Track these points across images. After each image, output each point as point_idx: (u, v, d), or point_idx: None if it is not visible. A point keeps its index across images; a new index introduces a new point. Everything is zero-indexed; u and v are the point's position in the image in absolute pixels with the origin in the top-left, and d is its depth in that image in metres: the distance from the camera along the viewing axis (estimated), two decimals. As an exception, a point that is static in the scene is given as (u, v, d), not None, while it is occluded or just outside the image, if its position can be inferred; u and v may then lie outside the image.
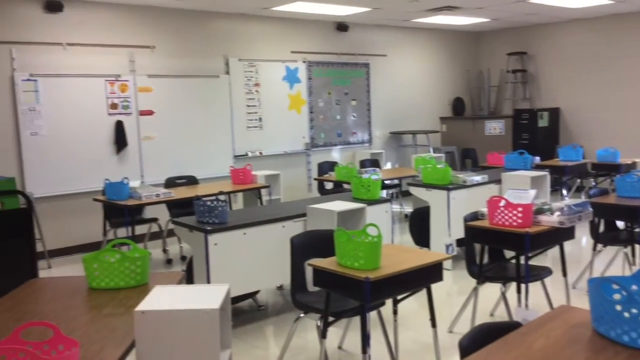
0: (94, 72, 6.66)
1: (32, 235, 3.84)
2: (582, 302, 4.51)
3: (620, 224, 5.30)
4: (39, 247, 5.86)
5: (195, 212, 4.20)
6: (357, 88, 9.21)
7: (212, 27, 7.65)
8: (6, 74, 6.12)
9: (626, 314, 1.84)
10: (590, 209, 3.96)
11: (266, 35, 8.17)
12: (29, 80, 6.21)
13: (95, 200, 5.84)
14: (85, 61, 6.61)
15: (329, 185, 7.64)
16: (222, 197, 4.32)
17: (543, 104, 10.08)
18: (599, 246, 4.97)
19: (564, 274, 4.26)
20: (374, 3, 7.44)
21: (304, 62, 8.54)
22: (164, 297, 2.19)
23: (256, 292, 4.84)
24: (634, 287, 1.89)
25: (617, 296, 1.92)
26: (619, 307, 1.85)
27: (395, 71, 9.73)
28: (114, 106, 6.81)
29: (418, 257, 3.14)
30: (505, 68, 10.51)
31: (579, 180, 8.53)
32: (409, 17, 8.68)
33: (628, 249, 4.97)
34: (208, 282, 4.02)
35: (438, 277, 3.17)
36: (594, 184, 8.34)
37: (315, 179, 7.67)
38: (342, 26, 8.88)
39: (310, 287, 3.57)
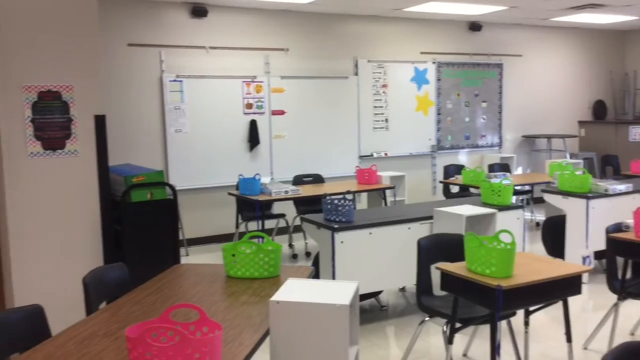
0: (233, 74, 7.05)
1: (177, 224, 4.15)
2: None
3: None
4: (179, 236, 6.32)
5: (323, 210, 4.30)
6: (488, 89, 8.92)
7: (343, 29, 7.78)
8: (156, 75, 6.67)
9: None
10: None
11: (396, 36, 8.16)
12: (175, 80, 6.72)
13: (230, 194, 6.18)
14: (225, 63, 7.02)
15: (454, 189, 7.47)
16: (348, 197, 4.39)
17: (700, 108, 9.12)
18: None
19: None
20: (511, 1, 7.16)
21: (434, 62, 8.42)
22: (297, 290, 2.27)
23: (379, 292, 4.86)
24: None
25: None
26: None
27: (530, 72, 9.29)
28: (249, 106, 7.17)
29: (554, 268, 2.99)
30: (655, 69, 9.65)
31: None
32: (548, 15, 8.24)
33: None
34: (333, 278, 4.10)
35: (576, 290, 3.00)
36: None
37: (441, 182, 7.53)
38: (475, 26, 8.63)
39: (436, 291, 3.52)
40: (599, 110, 9.96)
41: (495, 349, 2.88)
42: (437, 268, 3.05)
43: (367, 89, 7.96)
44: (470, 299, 2.92)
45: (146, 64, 6.61)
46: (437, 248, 3.52)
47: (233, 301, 2.54)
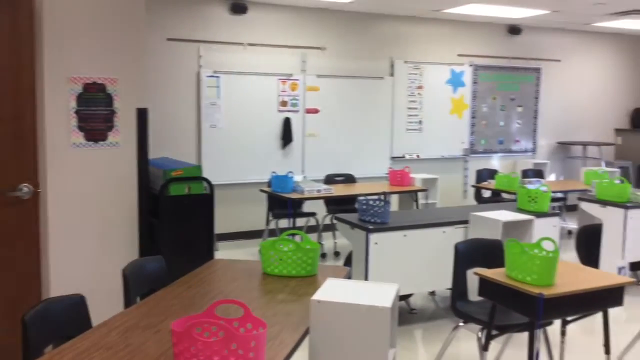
0: (269, 71, 7.08)
1: (212, 219, 4.18)
2: None
3: None
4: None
5: (358, 210, 4.29)
6: (524, 94, 8.79)
7: (380, 29, 7.75)
8: (193, 70, 6.73)
9: None
10: None
11: (433, 37, 8.10)
12: (212, 76, 6.77)
13: (262, 191, 6.20)
14: (262, 60, 7.05)
15: (486, 194, 7.39)
16: (382, 198, 4.37)
17: None
18: None
19: None
20: (554, 5, 7.04)
21: (470, 65, 8.33)
22: (337, 290, 2.27)
23: (409, 295, 4.83)
24: None
25: None
26: None
27: (568, 77, 9.13)
28: (283, 103, 7.19)
29: (596, 278, 2.93)
30: (698, 77, 9.39)
31: None
32: (590, 20, 8.09)
33: None
34: (366, 279, 4.09)
35: (618, 302, 2.93)
36: None
37: (473, 186, 7.45)
38: (514, 29, 8.51)
39: (471, 297, 3.48)
40: (636, 118, 9.74)
41: (533, 357, 2.84)
42: (476, 274, 3.01)
43: (402, 90, 7.91)
44: (510, 306, 2.88)
45: (184, 59, 6.67)
46: (474, 253, 3.48)
47: (271, 299, 2.54)
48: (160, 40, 6.54)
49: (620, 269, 5.17)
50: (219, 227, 6.99)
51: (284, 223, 6.76)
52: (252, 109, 7.01)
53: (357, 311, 2.11)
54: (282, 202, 6.06)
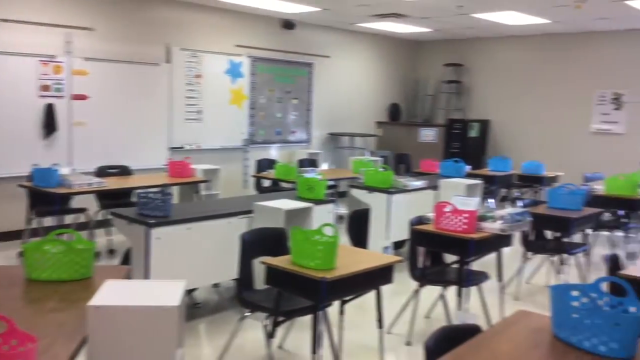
0: (26, 51, 6.26)
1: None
2: (512, 306, 4.67)
3: (548, 234, 5.55)
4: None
5: (137, 204, 4.03)
6: (299, 87, 9.19)
7: (156, 13, 7.39)
8: None
9: (587, 321, 1.91)
10: (529, 218, 4.12)
11: (211, 26, 7.99)
12: (-48, 53, 5.77)
13: (21, 186, 5.49)
14: (18, 39, 6.20)
15: (266, 183, 7.56)
16: (163, 190, 4.16)
17: (474, 115, 10.44)
18: (529, 254, 5.19)
19: (500, 279, 4.41)
20: (323, 3, 7.45)
21: (249, 57, 8.42)
22: (118, 292, 2.08)
23: (193, 290, 4.70)
24: (594, 295, 1.97)
25: (576, 303, 1.99)
26: (580, 315, 1.92)
27: (337, 73, 9.78)
28: (45, 88, 6.43)
29: (370, 259, 3.15)
30: (441, 78, 10.81)
31: (504, 190, 8.88)
32: (355, 20, 8.75)
33: (555, 258, 5.21)
34: (147, 277, 3.86)
35: (388, 279, 3.20)
36: (517, 194, 8.70)
37: (254, 176, 7.57)
38: (288, 24, 8.82)
39: (257, 286, 3.50)
40: (394, 112, 10.87)
41: (317, 339, 2.95)
42: (263, 262, 3.02)
43: (180, 78, 7.66)
44: (295, 292, 2.95)
45: None
46: (260, 242, 3.50)
47: (39, 309, 2.23)
48: None
49: (385, 249, 5.70)
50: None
51: (49, 221, 6.07)
52: (4, 93, 6.14)
53: (142, 313, 1.95)
54: (47, 198, 5.43)
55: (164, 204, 3.97)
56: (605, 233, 6.82)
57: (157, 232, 3.83)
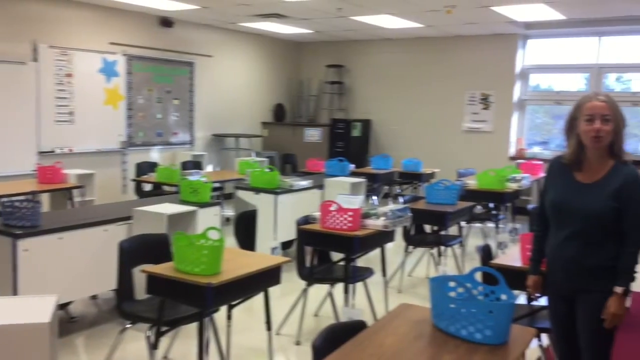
0: None
1: None
2: (396, 299, 4.83)
3: (427, 227, 5.82)
4: None
5: (2, 214, 3.69)
6: (180, 87, 8.92)
7: (21, 8, 6.83)
8: None
9: (463, 310, 2.00)
10: (410, 214, 4.29)
11: (82, 22, 7.53)
12: None
13: None
14: None
15: (147, 187, 7.28)
16: (30, 198, 3.85)
17: (357, 115, 10.73)
18: (410, 248, 5.41)
19: (384, 274, 4.55)
20: (202, 1, 7.28)
21: (124, 55, 8.03)
22: (-23, 313, 1.88)
23: (68, 304, 4.40)
24: (469, 285, 2.07)
25: (453, 294, 2.09)
26: (457, 305, 2.01)
27: (220, 73, 9.62)
28: None
29: (257, 261, 3.11)
30: (323, 79, 10.99)
31: (386, 187, 9.21)
32: (237, 20, 8.65)
33: (434, 250, 5.47)
34: (15, 293, 3.55)
35: (276, 281, 3.18)
36: (399, 191, 9.07)
37: (134, 180, 7.25)
38: (166, 21, 8.53)
39: (139, 296, 3.34)
40: (279, 112, 10.90)
41: (203, 347, 2.86)
42: (144, 271, 2.88)
43: (48, 78, 7.14)
44: (179, 299, 2.85)
45: None
46: (140, 250, 3.34)
47: None
48: None
49: (273, 249, 5.68)
50: None
51: None
52: None
53: (9, 333, 1.78)
54: None
55: (32, 212, 3.67)
56: (478, 225, 7.29)
57: (24, 244, 3.53)
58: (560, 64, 9.16)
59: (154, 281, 2.88)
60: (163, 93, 8.67)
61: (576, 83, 9.24)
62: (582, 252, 2.43)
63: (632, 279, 2.40)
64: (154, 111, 8.57)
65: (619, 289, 2.37)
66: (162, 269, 2.89)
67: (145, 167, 7.37)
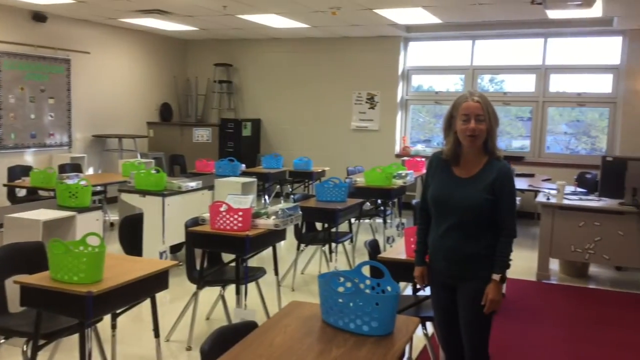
0: None
1: None
2: (289, 298, 4.85)
3: (318, 225, 5.90)
4: None
5: None
6: (55, 85, 8.37)
7: None
8: None
9: (351, 304, 2.04)
10: (300, 212, 4.32)
11: (-61, 13, 6.85)
12: None
13: None
14: None
15: (21, 192, 6.78)
16: None
17: (247, 114, 10.66)
18: (302, 246, 5.45)
19: (276, 273, 4.55)
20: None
21: (-8, 50, 7.42)
22: None
23: None
24: (356, 280, 2.11)
25: (341, 289, 2.12)
26: (345, 299, 2.04)
27: (99, 70, 9.14)
28: None
29: (143, 266, 2.99)
30: (212, 78, 10.80)
31: (278, 186, 9.24)
32: (116, 15, 8.26)
33: (325, 247, 5.56)
34: None
35: (164, 286, 3.07)
36: (290, 189, 9.13)
37: (5, 185, 6.72)
38: (39, 16, 7.96)
39: (12, 309, 3.09)
40: (165, 112, 10.56)
41: (85, 358, 2.70)
42: (16, 282, 2.67)
43: None
44: (57, 310, 2.66)
45: None
46: (13, 259, 3.09)
47: None
48: None
49: (162, 254, 5.48)
50: None
51: None
52: None
53: None
54: None
55: None
56: (368, 221, 7.50)
57: None
58: (439, 66, 9.66)
59: (28, 292, 2.68)
60: (37, 92, 8.09)
61: (453, 84, 9.79)
62: (461, 242, 2.57)
63: (507, 266, 2.57)
64: (27, 111, 7.98)
65: (496, 276, 2.52)
66: (37, 279, 2.69)
67: (18, 171, 6.86)
